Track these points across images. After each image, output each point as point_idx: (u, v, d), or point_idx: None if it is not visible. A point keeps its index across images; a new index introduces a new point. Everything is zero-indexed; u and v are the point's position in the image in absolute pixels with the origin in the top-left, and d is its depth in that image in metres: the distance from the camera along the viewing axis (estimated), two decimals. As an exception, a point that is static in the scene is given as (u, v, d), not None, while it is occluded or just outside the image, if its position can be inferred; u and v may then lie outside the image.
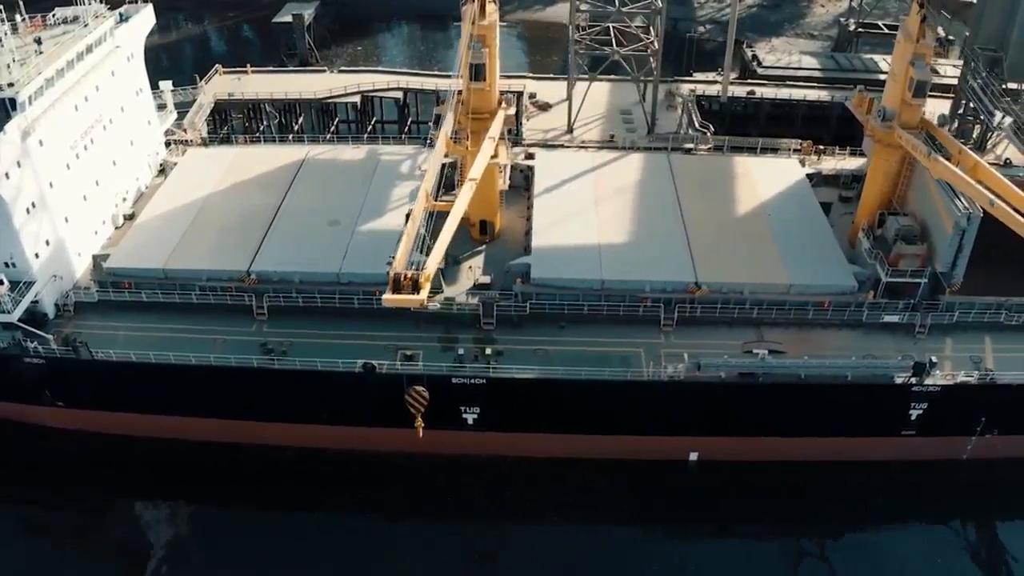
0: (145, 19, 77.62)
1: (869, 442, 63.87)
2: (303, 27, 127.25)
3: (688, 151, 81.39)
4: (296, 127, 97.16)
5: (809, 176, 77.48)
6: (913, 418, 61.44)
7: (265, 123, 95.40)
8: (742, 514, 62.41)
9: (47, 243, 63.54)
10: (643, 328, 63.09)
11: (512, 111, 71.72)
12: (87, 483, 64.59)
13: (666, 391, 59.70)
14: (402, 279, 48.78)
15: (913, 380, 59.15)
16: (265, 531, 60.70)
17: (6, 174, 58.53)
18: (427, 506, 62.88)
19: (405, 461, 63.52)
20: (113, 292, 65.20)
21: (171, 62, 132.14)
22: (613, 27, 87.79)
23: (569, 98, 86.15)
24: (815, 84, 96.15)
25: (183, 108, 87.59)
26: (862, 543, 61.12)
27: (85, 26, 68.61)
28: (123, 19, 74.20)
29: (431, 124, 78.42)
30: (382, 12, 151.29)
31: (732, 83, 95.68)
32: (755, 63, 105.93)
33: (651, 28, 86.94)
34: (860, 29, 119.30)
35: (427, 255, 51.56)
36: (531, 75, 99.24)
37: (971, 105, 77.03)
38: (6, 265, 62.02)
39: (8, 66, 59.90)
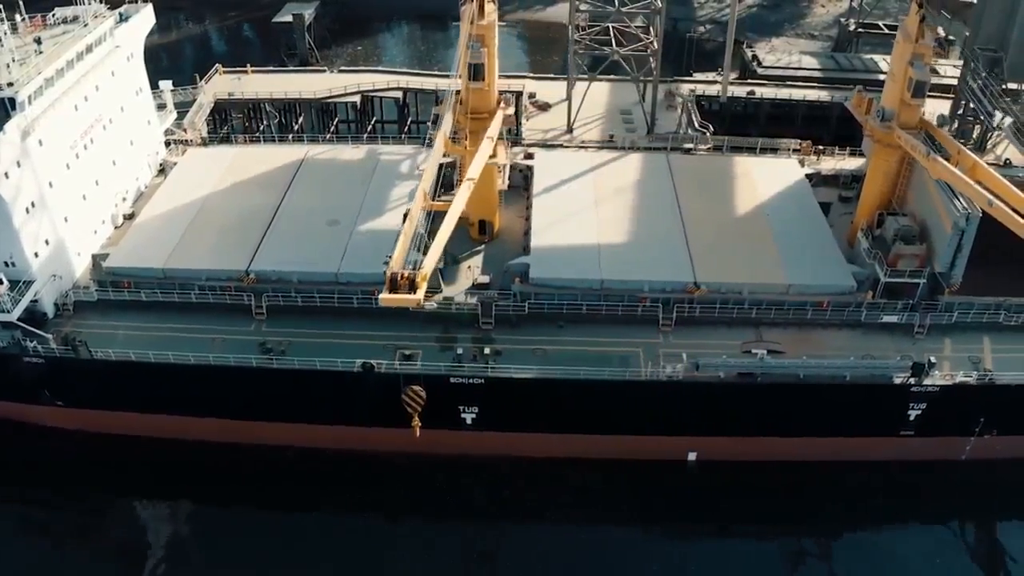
0: (145, 19, 77.70)
1: (868, 442, 63.85)
2: (303, 27, 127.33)
3: (687, 151, 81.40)
4: (296, 127, 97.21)
5: (808, 176, 77.48)
6: (912, 418, 61.41)
7: (265, 123, 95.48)
8: (741, 514, 62.39)
9: (46, 242, 63.60)
10: (642, 328, 63.09)
11: (511, 111, 71.72)
12: (86, 483, 64.63)
13: (665, 391, 59.69)
14: (399, 279, 48.78)
15: (912, 380, 59.13)
16: (264, 531, 60.75)
17: (5, 174, 58.56)
18: (426, 506, 62.89)
19: (404, 461, 63.51)
20: (112, 292, 65.28)
21: (171, 62, 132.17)
22: (613, 27, 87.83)
23: (569, 98, 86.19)
24: (815, 84, 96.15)
25: (183, 108, 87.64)
26: (861, 543, 61.17)
27: (85, 26, 68.66)
28: (123, 19, 74.26)
29: (430, 124, 78.47)
30: (382, 12, 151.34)
31: (732, 83, 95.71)
32: (755, 63, 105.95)
33: (651, 28, 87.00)
34: (860, 29, 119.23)
35: (425, 255, 51.60)
36: (531, 75, 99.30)
37: (971, 105, 77.05)
38: (5, 264, 62.06)
39: (8, 66, 59.95)
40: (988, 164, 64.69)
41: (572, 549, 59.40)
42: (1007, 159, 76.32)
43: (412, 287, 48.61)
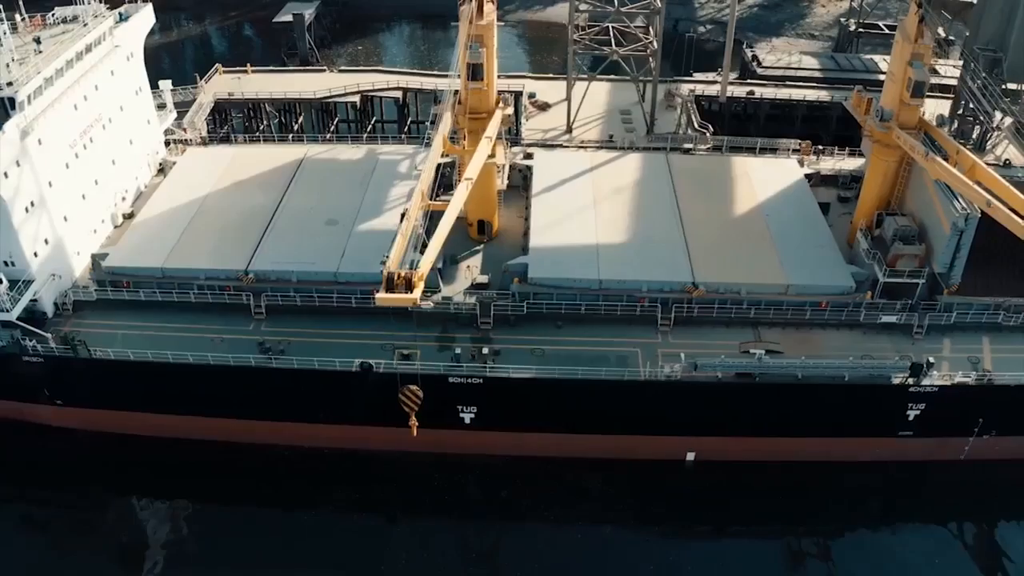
0: (145, 18, 77.86)
1: (867, 443, 63.87)
2: (304, 27, 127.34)
3: (687, 151, 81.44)
4: (296, 127, 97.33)
5: (808, 176, 77.52)
6: (911, 419, 61.39)
7: (265, 123, 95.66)
8: (739, 514, 62.43)
9: (46, 242, 63.68)
10: (640, 328, 63.12)
11: (510, 111, 71.77)
12: (86, 482, 64.67)
13: (663, 391, 59.70)
14: (396, 278, 48.81)
15: (911, 381, 59.11)
16: (263, 529, 60.80)
17: (5, 173, 58.65)
18: (425, 505, 62.98)
19: (403, 460, 63.56)
20: (112, 291, 65.34)
21: (171, 62, 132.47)
22: (612, 27, 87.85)
23: (568, 98, 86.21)
24: (815, 84, 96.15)
25: (183, 107, 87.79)
26: (860, 543, 61.14)
27: (84, 25, 68.80)
28: (122, 18, 74.39)
29: (429, 124, 78.49)
30: (382, 12, 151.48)
31: (732, 83, 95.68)
32: (755, 63, 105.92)
33: (650, 28, 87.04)
34: (860, 29, 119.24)
35: (423, 254, 51.60)
36: (530, 75, 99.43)
37: (970, 106, 77.02)
38: (5, 264, 62.12)
39: (7, 65, 60.00)
40: (987, 164, 64.67)
41: (570, 548, 59.41)
42: (1006, 159, 76.26)
43: (409, 286, 48.64)
